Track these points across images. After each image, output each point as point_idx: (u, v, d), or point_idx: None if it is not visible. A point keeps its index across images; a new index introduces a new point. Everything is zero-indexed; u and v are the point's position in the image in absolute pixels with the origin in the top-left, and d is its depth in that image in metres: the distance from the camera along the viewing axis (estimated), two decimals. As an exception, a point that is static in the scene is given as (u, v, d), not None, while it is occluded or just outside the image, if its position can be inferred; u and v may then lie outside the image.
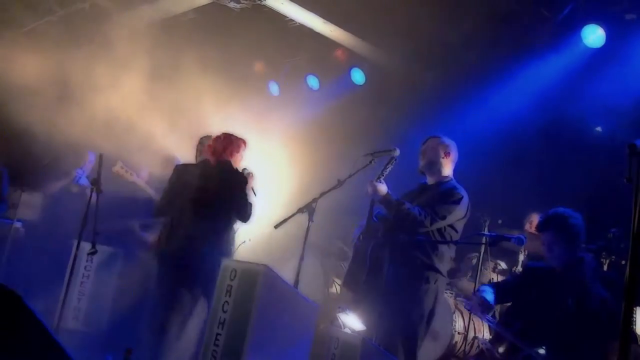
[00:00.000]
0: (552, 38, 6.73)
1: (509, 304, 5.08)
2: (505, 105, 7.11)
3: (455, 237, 4.74)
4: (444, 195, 4.73)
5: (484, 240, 5.80)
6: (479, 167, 6.34)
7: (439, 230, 4.66)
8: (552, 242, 4.24)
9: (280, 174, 7.42)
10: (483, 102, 7.27)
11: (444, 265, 4.68)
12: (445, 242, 4.66)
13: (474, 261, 6.80)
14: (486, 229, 6.08)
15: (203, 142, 5.90)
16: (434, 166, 4.88)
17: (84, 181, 7.25)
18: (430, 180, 4.94)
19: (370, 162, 4.79)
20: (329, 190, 4.81)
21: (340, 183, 4.76)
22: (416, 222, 4.56)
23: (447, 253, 4.69)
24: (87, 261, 6.47)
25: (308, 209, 4.78)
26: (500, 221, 6.36)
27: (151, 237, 6.34)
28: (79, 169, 7.31)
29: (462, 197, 4.72)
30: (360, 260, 4.67)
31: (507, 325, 4.32)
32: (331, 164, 7.08)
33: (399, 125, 7.61)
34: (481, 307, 4.29)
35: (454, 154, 4.93)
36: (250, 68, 9.26)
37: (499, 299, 4.46)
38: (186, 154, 6.30)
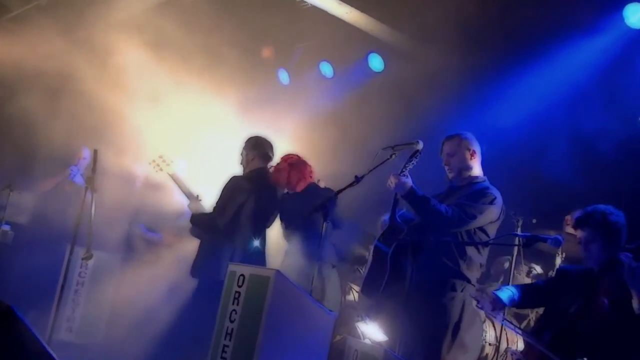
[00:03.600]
0: (590, 18, 6.66)
1: (541, 310, 5.05)
2: (538, 92, 7.06)
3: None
4: (475, 195, 4.70)
5: (516, 242, 5.76)
6: (510, 160, 6.30)
7: (467, 232, 4.64)
8: (589, 240, 4.21)
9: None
10: (514, 89, 7.21)
11: (473, 273, 4.65)
12: (474, 244, 4.63)
13: (506, 265, 6.77)
14: (519, 229, 6.05)
15: (260, 147, 6.02)
16: (462, 171, 4.86)
17: (79, 179, 7.29)
18: (460, 181, 4.91)
19: (391, 156, 4.77)
20: (346, 188, 4.81)
21: (357, 180, 4.74)
22: (443, 221, 4.54)
23: (477, 259, 4.67)
24: (81, 267, 6.51)
25: (323, 208, 4.76)
26: (534, 220, 6.31)
27: (165, 236, 6.36)
28: (73, 166, 7.34)
29: (495, 198, 4.69)
30: (380, 264, 4.65)
31: (538, 334, 4.28)
32: (347, 159, 7.07)
33: (421, 115, 7.58)
34: (492, 305, 4.27)
35: (477, 150, 4.90)
36: (258, 54, 9.25)
37: (525, 301, 4.44)
38: (185, 151, 6.32)
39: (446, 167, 4.90)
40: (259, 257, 5.67)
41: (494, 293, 4.31)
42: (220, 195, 5.74)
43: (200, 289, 5.59)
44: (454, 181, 4.93)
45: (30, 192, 7.49)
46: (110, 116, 6.79)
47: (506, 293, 4.32)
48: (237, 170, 5.98)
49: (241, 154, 6.02)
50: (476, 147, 4.89)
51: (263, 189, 5.83)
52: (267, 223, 5.96)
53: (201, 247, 5.77)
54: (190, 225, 5.96)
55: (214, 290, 5.24)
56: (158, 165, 6.07)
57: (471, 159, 4.84)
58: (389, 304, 4.55)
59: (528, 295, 4.40)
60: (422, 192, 4.67)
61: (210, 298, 5.32)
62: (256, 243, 5.75)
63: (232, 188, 5.75)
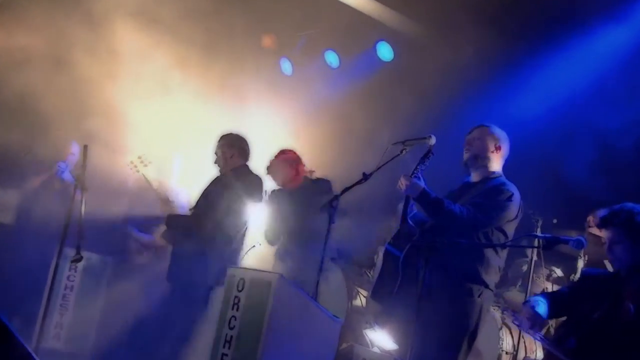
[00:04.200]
0: (612, 6, 6.64)
1: (564, 318, 5.04)
2: (559, 84, 7.04)
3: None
4: (490, 192, 4.69)
5: (536, 243, 5.75)
6: (528, 156, 6.28)
7: (484, 233, 4.62)
8: (614, 241, 4.18)
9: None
10: (532, 81, 7.20)
11: (491, 277, 4.64)
12: (491, 246, 4.62)
13: (525, 268, 6.76)
14: (539, 230, 6.04)
15: (238, 144, 6.13)
16: (480, 160, 4.84)
17: (67, 176, 7.29)
18: (474, 176, 4.90)
19: (401, 152, 4.76)
20: (353, 186, 4.79)
21: (365, 177, 4.74)
22: (458, 223, 4.52)
23: (495, 262, 4.65)
24: (70, 270, 6.52)
25: (328, 208, 4.76)
26: (555, 220, 6.30)
27: (155, 236, 6.39)
28: (61, 162, 7.34)
29: (513, 194, 4.67)
30: (391, 268, 4.65)
31: (560, 342, 4.26)
32: (354, 155, 7.07)
33: (434, 108, 7.58)
34: (531, 322, 4.23)
35: (505, 149, 4.89)
36: (258, 43, 9.24)
37: (553, 313, 4.40)
38: (180, 145, 6.33)
39: (465, 149, 4.89)
40: (236, 259, 5.80)
41: (532, 308, 4.25)
42: (207, 195, 5.85)
43: (178, 294, 5.67)
44: (468, 175, 4.92)
45: (15, 189, 7.48)
46: (101, 109, 6.78)
47: (542, 306, 4.27)
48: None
49: (216, 153, 6.10)
50: (504, 145, 4.88)
51: (250, 187, 5.89)
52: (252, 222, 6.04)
53: (176, 251, 5.82)
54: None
55: (190, 295, 5.33)
56: (136, 166, 6.26)
57: (494, 152, 4.83)
58: (400, 310, 4.54)
59: (555, 306, 4.35)
60: (435, 194, 4.65)
61: (189, 303, 5.40)
62: (257, 245, 5.80)
63: (220, 187, 5.84)
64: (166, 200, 6.08)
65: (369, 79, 8.65)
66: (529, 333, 4.33)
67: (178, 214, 6.03)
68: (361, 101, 8.43)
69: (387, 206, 6.07)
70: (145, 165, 6.27)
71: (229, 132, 6.17)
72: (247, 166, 6.08)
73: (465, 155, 4.89)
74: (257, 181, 5.97)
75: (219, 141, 6.11)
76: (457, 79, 7.67)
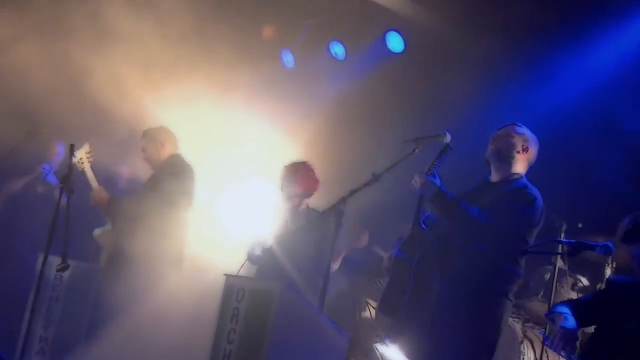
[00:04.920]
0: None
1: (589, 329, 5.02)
2: (584, 77, 7.03)
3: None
4: (511, 195, 4.67)
5: (560, 249, 5.74)
6: (552, 155, 6.27)
7: (503, 240, 4.60)
8: None
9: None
10: (555, 74, 7.20)
11: (510, 287, 4.62)
12: (512, 252, 4.61)
13: (547, 276, 6.75)
14: (563, 235, 6.03)
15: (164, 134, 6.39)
16: (503, 158, 4.82)
17: (52, 178, 7.30)
18: (495, 176, 4.89)
19: (414, 150, 4.76)
20: (361, 188, 4.78)
21: (375, 178, 4.73)
22: (474, 227, 4.51)
23: (515, 270, 4.64)
24: (55, 279, 6.50)
25: (334, 211, 4.77)
26: (580, 225, 6.29)
27: None
28: (45, 163, 7.35)
29: (536, 199, 4.66)
30: (401, 277, 4.64)
31: (589, 355, 4.25)
32: (363, 154, 7.07)
33: (448, 104, 7.57)
34: (563, 342, 4.15)
35: (533, 152, 4.86)
36: (258, 34, 9.25)
37: (581, 324, 4.38)
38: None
39: (490, 142, 4.88)
40: None
41: (563, 327, 4.17)
42: (172, 179, 6.04)
43: None
44: (488, 173, 4.91)
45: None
46: (88, 106, 6.78)
47: (570, 320, 4.21)
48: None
49: (144, 149, 6.34)
50: (532, 147, 4.86)
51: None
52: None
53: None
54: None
55: None
56: (82, 163, 6.29)
57: (520, 152, 4.81)
58: (413, 322, 4.52)
59: (581, 316, 4.30)
60: (452, 195, 4.64)
61: None
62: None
63: (189, 171, 6.19)
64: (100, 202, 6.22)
65: (378, 72, 8.65)
66: (561, 355, 4.28)
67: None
68: (369, 97, 8.43)
69: (399, 209, 6.07)
70: (90, 161, 6.32)
71: (148, 128, 6.41)
72: (180, 154, 6.35)
73: (489, 150, 4.88)
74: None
75: (144, 137, 6.35)
76: (474, 73, 7.66)
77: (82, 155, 6.25)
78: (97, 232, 6.44)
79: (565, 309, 4.33)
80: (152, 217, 5.79)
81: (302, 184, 6.06)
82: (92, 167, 6.13)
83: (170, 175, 6.06)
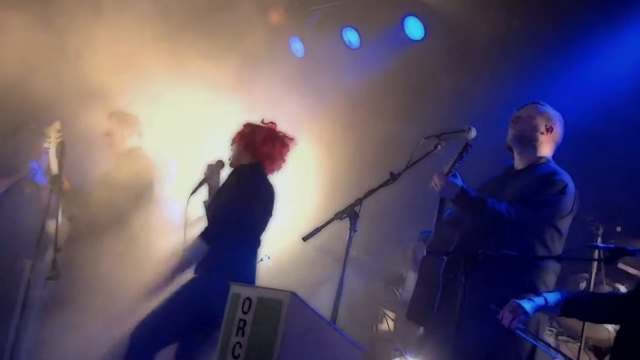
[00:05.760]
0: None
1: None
2: (621, 66, 7.00)
3: (559, 241, 4.69)
4: (540, 183, 4.68)
5: (596, 255, 5.72)
6: (587, 151, 6.26)
7: (535, 233, 4.60)
8: None
9: (308, 167, 7.41)
10: (590, 63, 7.17)
11: (548, 285, 4.61)
12: (543, 258, 4.61)
13: (583, 285, 6.73)
14: (600, 240, 6.01)
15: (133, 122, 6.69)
16: (527, 142, 4.83)
17: (40, 178, 7.32)
18: (519, 162, 4.90)
19: (435, 147, 4.78)
20: (378, 188, 4.80)
21: (393, 177, 4.74)
22: (505, 225, 4.50)
23: (551, 266, 4.64)
24: (45, 288, 6.53)
25: (349, 214, 4.76)
26: (619, 228, 6.28)
27: None
28: (33, 162, 7.37)
29: (567, 185, 4.67)
30: (429, 282, 4.65)
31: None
32: (380, 152, 7.07)
33: (472, 95, 7.57)
34: (512, 314, 4.15)
35: (558, 131, 4.88)
36: (265, 20, 9.26)
37: (601, 317, 4.40)
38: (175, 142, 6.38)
39: (510, 125, 4.88)
40: None
41: (515, 301, 4.17)
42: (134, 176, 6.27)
43: None
44: (510, 159, 4.91)
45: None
46: (79, 97, 6.80)
47: (539, 299, 4.20)
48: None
49: (110, 132, 6.54)
50: (556, 126, 4.88)
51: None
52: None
53: None
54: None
55: None
56: (50, 142, 6.28)
57: (544, 133, 4.82)
58: (442, 330, 4.50)
59: (604, 309, 4.31)
60: (476, 193, 4.63)
61: None
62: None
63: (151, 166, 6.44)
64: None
65: (395, 61, 8.64)
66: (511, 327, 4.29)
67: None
68: (386, 87, 8.43)
69: (419, 211, 6.06)
70: (59, 141, 6.28)
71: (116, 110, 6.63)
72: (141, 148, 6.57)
73: (510, 135, 4.87)
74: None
75: (112, 119, 6.57)
76: (499, 61, 7.65)
77: (51, 134, 6.26)
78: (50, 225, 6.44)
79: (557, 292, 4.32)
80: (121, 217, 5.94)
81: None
82: (62, 150, 6.03)
83: (131, 172, 6.27)
